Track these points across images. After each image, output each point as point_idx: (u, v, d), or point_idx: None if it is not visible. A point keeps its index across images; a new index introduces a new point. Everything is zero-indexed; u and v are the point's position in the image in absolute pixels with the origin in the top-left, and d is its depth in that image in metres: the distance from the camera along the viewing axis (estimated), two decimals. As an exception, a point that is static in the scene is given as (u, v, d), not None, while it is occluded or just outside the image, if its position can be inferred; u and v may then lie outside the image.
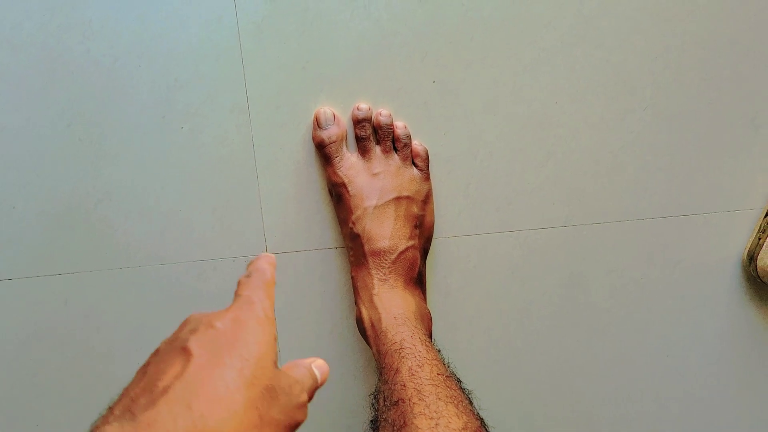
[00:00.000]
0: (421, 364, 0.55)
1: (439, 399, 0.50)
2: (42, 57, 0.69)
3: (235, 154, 0.71)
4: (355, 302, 0.68)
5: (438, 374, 0.54)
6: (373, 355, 0.63)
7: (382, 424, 0.52)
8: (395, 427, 0.50)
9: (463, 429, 0.48)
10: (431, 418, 0.49)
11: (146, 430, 0.31)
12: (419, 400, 0.50)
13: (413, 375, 0.53)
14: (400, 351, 0.57)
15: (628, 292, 0.75)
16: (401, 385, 0.53)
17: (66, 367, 0.73)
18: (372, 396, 0.59)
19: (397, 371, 0.55)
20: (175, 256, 0.72)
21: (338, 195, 0.68)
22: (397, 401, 0.52)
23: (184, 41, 0.69)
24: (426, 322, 0.65)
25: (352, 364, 0.74)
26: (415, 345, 0.57)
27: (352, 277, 0.68)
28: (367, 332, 0.64)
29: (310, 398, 0.38)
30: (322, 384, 0.40)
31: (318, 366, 0.41)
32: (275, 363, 0.37)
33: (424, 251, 0.71)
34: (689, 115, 0.72)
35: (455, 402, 0.51)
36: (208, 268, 0.72)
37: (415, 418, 0.49)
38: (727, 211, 0.74)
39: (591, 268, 0.74)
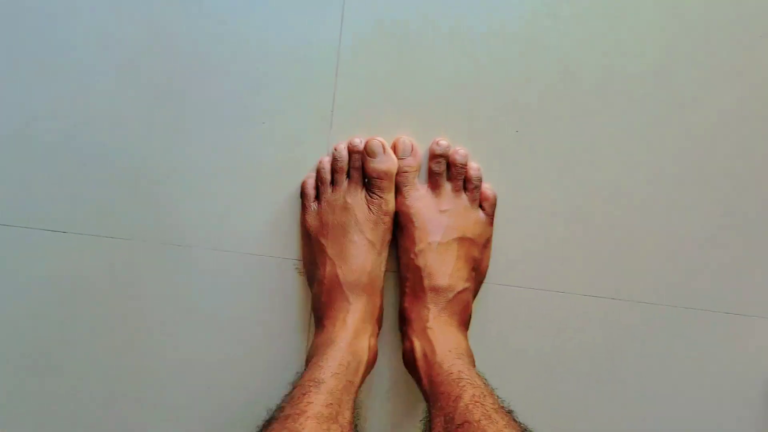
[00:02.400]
0: (483, 394, 0.54)
1: (510, 426, 0.50)
2: (145, 25, 0.70)
3: (308, 159, 0.71)
4: (404, 332, 0.68)
5: (501, 406, 0.54)
6: (422, 386, 0.62)
7: None
8: None
9: None
10: None
11: None
12: (490, 423, 0.50)
13: (477, 402, 0.53)
14: (459, 381, 0.57)
15: (656, 374, 0.74)
16: (465, 409, 0.52)
17: (97, 329, 0.74)
18: (424, 421, 0.59)
19: (459, 397, 0.54)
20: (228, 244, 0.73)
21: (403, 225, 0.69)
22: (462, 423, 0.51)
23: (284, 39, 0.70)
24: (473, 363, 0.66)
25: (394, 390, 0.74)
26: (473, 377, 0.57)
27: (404, 308, 0.69)
28: (417, 363, 0.64)
29: None
30: None
31: None
32: None
33: (473, 294, 0.71)
34: (763, 218, 0.72)
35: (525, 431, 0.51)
36: (256, 264, 0.73)
37: None
38: (777, 319, 0.73)
39: (626, 344, 0.74)
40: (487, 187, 0.70)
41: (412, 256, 0.68)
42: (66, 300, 0.73)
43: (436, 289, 0.67)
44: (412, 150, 0.69)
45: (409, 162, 0.69)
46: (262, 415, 0.72)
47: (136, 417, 0.74)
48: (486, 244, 0.70)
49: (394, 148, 0.69)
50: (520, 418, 0.55)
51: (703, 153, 0.71)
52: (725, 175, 0.72)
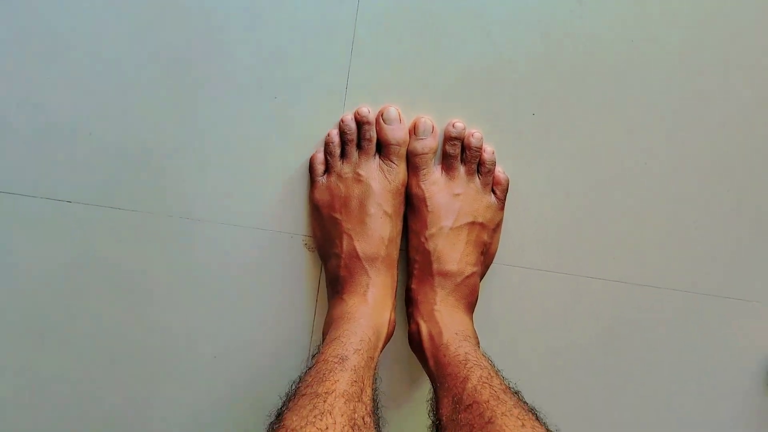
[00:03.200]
0: (490, 375, 0.55)
1: (519, 406, 0.51)
2: (155, -6, 0.67)
3: (320, 135, 0.70)
4: (410, 314, 0.69)
5: (508, 387, 0.54)
6: (428, 368, 0.63)
7: (450, 425, 0.53)
8: (474, 427, 0.50)
9: None
10: (518, 419, 0.49)
11: None
12: (499, 403, 0.50)
13: (485, 383, 0.53)
14: (465, 362, 0.57)
15: (658, 357, 0.75)
16: (473, 390, 0.53)
17: (102, 300, 0.73)
18: (431, 402, 0.60)
19: (467, 379, 0.55)
20: (237, 219, 0.72)
21: (416, 207, 0.68)
22: (471, 404, 0.52)
23: (299, 14, 0.68)
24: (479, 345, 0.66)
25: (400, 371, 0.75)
26: (479, 359, 0.58)
27: (411, 289, 0.69)
28: (424, 344, 0.64)
29: None
30: None
31: None
32: None
33: (481, 277, 0.71)
34: (770, 207, 0.72)
35: (533, 412, 0.51)
36: (265, 239, 0.72)
37: (498, 417, 0.49)
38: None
39: (630, 326, 0.75)
40: (500, 171, 0.70)
41: (422, 239, 0.67)
42: (71, 270, 0.73)
43: (444, 274, 0.67)
44: (433, 131, 0.68)
45: (429, 143, 0.68)
46: (269, 387, 0.73)
47: (142, 389, 0.75)
48: (496, 228, 0.70)
49: (414, 128, 0.68)
50: (526, 398, 0.57)
51: (717, 143, 0.71)
52: (735, 165, 0.72)
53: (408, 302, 0.70)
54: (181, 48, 0.68)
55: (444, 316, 0.65)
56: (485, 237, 0.69)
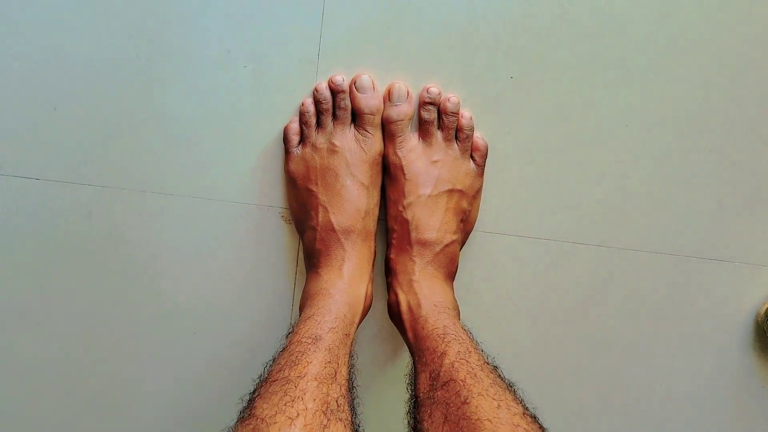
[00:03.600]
0: (468, 351, 0.54)
1: (496, 384, 0.50)
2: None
3: (293, 104, 0.68)
4: (389, 284, 0.68)
5: (486, 363, 0.53)
6: (407, 339, 0.62)
7: (427, 402, 0.52)
8: (450, 407, 0.49)
9: (524, 414, 0.47)
10: (493, 399, 0.48)
11: None
12: (476, 381, 0.50)
13: (462, 359, 0.53)
14: (444, 336, 0.56)
15: (640, 320, 0.75)
16: (451, 367, 0.52)
17: (77, 279, 0.72)
18: (409, 376, 0.59)
19: (444, 354, 0.54)
20: (210, 192, 0.70)
21: (393, 175, 0.67)
22: (448, 381, 0.51)
23: (267, -22, 0.65)
24: (458, 316, 0.66)
25: (381, 346, 0.75)
26: (458, 333, 0.57)
27: (390, 259, 0.68)
28: (402, 315, 0.64)
29: None
30: None
31: None
32: None
33: (461, 245, 0.70)
34: (750, 167, 0.71)
35: (510, 390, 0.51)
36: (242, 212, 0.71)
37: (473, 398, 0.48)
38: (759, 264, 0.74)
39: (611, 290, 0.74)
40: (478, 137, 0.68)
41: (400, 208, 0.66)
42: (42, 249, 0.71)
43: (422, 243, 0.66)
44: (408, 96, 0.66)
45: (404, 109, 0.66)
46: (250, 362, 0.72)
47: (120, 367, 0.73)
48: (476, 195, 0.69)
49: (388, 94, 0.67)
50: (506, 367, 0.56)
51: (698, 101, 0.70)
52: (716, 125, 0.71)
53: (387, 272, 0.69)
54: (146, 19, 0.66)
55: (423, 287, 0.64)
56: (464, 204, 0.68)
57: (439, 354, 0.55)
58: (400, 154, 0.66)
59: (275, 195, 0.71)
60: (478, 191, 0.69)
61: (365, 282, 0.65)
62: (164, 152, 0.69)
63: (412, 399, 0.56)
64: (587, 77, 0.69)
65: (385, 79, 0.67)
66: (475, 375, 0.51)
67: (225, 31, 0.67)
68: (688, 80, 0.70)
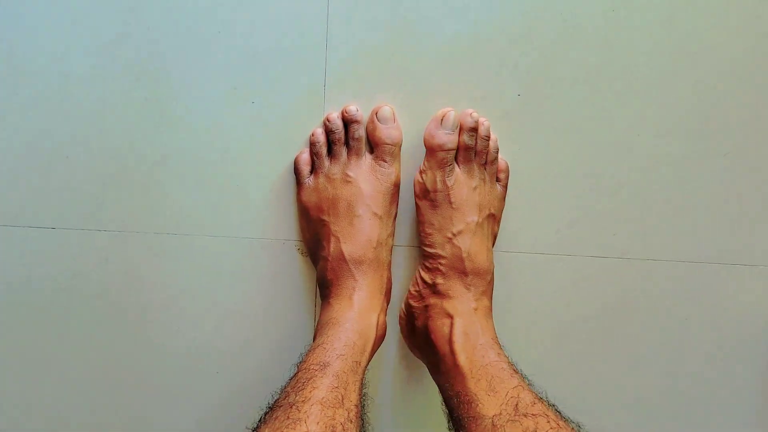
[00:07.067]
0: (518, 389, 0.55)
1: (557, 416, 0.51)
2: (122, 4, 0.65)
3: (302, 136, 0.68)
4: (435, 306, 0.67)
5: (539, 399, 0.54)
6: (456, 362, 0.61)
7: (508, 425, 0.52)
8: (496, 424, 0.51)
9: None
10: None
11: None
12: (562, 422, 0.51)
13: (542, 399, 0.54)
14: (514, 373, 0.57)
15: (667, 331, 0.74)
16: (536, 398, 0.53)
17: (97, 325, 0.71)
18: (455, 398, 0.58)
19: (520, 386, 0.55)
20: (225, 229, 0.70)
21: (437, 203, 0.66)
22: (535, 414, 0.51)
23: (270, 14, 0.66)
24: None
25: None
26: (503, 368, 0.58)
27: (437, 284, 0.67)
28: (454, 337, 0.62)
29: None
30: None
31: None
32: None
33: None
34: (766, 169, 0.71)
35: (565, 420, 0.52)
36: (258, 247, 0.70)
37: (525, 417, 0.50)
38: (785, 267, 0.73)
39: (637, 303, 0.73)
40: (501, 158, 0.68)
41: (449, 235, 0.65)
42: (61, 298, 0.71)
43: (478, 272, 0.66)
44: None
45: (456, 138, 0.65)
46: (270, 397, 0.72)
47: (144, 411, 0.73)
48: (500, 217, 0.69)
49: (442, 120, 0.66)
50: (535, 383, 0.56)
51: (709, 107, 0.69)
52: (729, 128, 0.70)
53: (429, 295, 0.68)
54: (150, 59, 0.66)
55: (482, 317, 0.64)
56: (496, 228, 0.69)
57: (513, 386, 0.55)
58: (448, 182, 0.65)
59: (290, 229, 0.70)
60: (501, 212, 0.69)
61: (376, 311, 0.64)
62: (177, 193, 0.69)
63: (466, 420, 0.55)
64: (595, 89, 0.68)
65: (392, 103, 0.67)
66: (559, 414, 0.52)
67: (230, 69, 0.67)
68: (696, 85, 0.69)
